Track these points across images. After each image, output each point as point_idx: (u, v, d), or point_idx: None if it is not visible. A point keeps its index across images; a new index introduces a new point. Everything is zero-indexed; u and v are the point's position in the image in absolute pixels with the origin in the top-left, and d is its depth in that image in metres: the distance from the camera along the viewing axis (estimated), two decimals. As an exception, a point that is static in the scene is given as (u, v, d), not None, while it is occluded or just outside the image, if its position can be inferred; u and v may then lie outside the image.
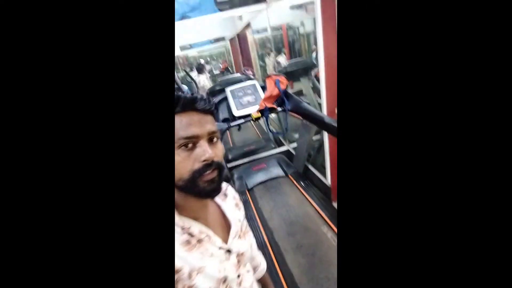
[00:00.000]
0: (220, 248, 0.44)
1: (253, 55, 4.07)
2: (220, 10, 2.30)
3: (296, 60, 2.80)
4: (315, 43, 1.66)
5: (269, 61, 4.06)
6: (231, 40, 4.92)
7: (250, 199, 2.24)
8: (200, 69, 4.15)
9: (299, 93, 2.56)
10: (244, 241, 0.52)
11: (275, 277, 1.47)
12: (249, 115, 1.44)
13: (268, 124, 1.62)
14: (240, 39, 4.33)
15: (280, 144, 3.12)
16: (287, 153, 2.85)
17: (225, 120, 1.45)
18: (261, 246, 1.71)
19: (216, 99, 1.53)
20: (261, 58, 4.24)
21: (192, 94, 0.40)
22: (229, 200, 0.55)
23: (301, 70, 2.43)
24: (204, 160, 0.38)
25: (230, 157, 2.96)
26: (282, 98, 1.44)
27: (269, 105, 1.44)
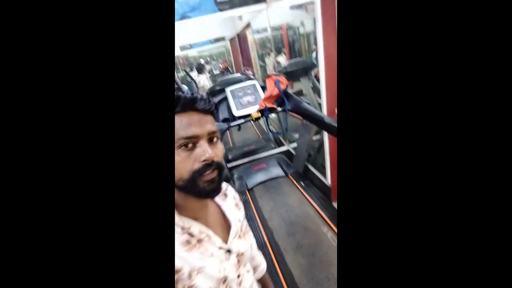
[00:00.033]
0: (220, 248, 0.44)
1: (253, 55, 4.07)
2: (220, 10, 2.30)
3: (296, 60, 2.80)
4: (315, 43, 1.66)
5: (269, 61, 4.06)
6: (231, 40, 4.92)
7: (250, 199, 2.24)
8: (200, 69, 4.15)
9: (299, 93, 2.56)
10: (244, 241, 0.51)
11: (275, 277, 1.47)
12: (249, 115, 1.44)
13: (268, 124, 1.62)
14: (240, 39, 4.33)
15: (280, 144, 3.12)
16: (287, 153, 2.85)
17: (225, 120, 1.45)
18: (261, 246, 1.71)
19: (216, 99, 1.53)
20: (261, 58, 4.24)
21: (192, 94, 0.40)
22: (229, 200, 0.55)
23: (301, 70, 2.43)
24: (204, 160, 0.38)
25: (230, 157, 2.96)
26: (282, 98, 1.44)
27: (269, 105, 1.44)
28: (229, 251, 0.46)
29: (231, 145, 3.73)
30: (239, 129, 1.53)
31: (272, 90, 1.43)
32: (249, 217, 2.00)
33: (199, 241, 0.42)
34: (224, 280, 0.43)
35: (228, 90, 1.51)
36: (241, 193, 2.33)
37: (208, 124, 0.40)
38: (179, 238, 0.40)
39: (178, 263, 0.37)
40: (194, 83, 3.73)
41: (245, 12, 2.50)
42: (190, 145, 0.38)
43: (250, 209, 2.10)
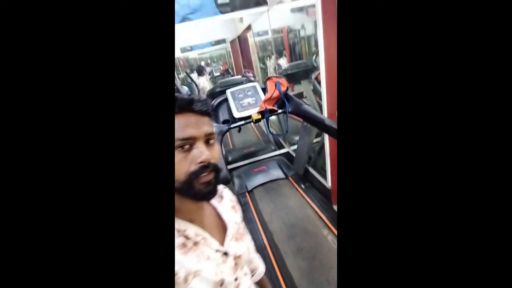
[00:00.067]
0: (216, 250, 0.44)
1: (254, 57, 4.08)
2: (221, 12, 2.31)
3: (297, 63, 2.81)
4: (316, 46, 1.67)
5: (270, 63, 4.07)
6: (232, 42, 4.94)
7: (250, 201, 2.24)
8: (200, 71, 4.16)
9: (300, 95, 2.57)
10: (241, 243, 0.51)
11: (275, 280, 1.46)
12: (249, 117, 1.44)
13: (268, 126, 1.62)
14: (240, 42, 4.34)
15: (280, 146, 3.12)
16: (287, 155, 2.85)
17: (225, 122, 1.45)
18: (261, 248, 1.70)
19: (217, 101, 1.53)
20: (262, 60, 4.26)
21: (189, 95, 0.40)
22: (225, 202, 0.54)
23: (302, 73, 2.44)
24: (201, 162, 0.38)
25: (230, 158, 2.96)
26: (282, 100, 1.44)
27: (270, 107, 1.44)
28: (226, 253, 0.45)
29: (231, 146, 3.73)
30: (239, 131, 1.53)
31: (273, 92, 1.43)
32: (249, 219, 2.00)
33: (195, 244, 0.41)
34: (221, 283, 0.42)
35: (228, 91, 1.51)
36: (241, 195, 2.32)
37: (205, 126, 0.40)
38: (175, 241, 0.39)
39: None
40: (194, 85, 3.74)
41: (246, 15, 2.51)
42: (186, 147, 0.38)
43: (250, 211, 2.09)
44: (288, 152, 2.87)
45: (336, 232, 1.69)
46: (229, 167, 2.77)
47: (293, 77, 2.42)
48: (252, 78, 2.02)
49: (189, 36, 3.85)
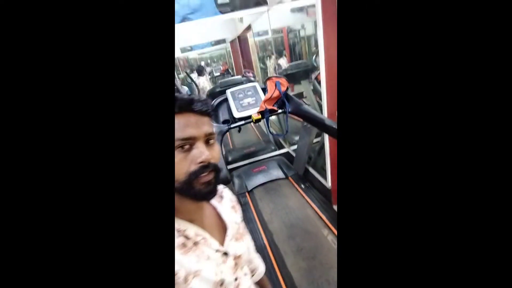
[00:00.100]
0: (216, 250, 0.44)
1: (254, 57, 4.08)
2: (221, 12, 2.31)
3: (297, 63, 2.81)
4: (316, 46, 1.67)
5: (270, 63, 4.07)
6: (232, 42, 4.94)
7: (250, 201, 2.24)
8: (200, 71, 4.16)
9: (300, 95, 2.57)
10: (241, 243, 0.51)
11: (275, 280, 1.46)
12: (249, 117, 1.44)
13: (268, 126, 1.62)
14: (240, 42, 4.34)
15: (280, 146, 3.12)
16: (287, 155, 2.85)
17: (225, 122, 1.45)
18: (261, 248, 1.70)
19: (217, 101, 1.53)
20: (262, 60, 4.26)
21: (189, 95, 0.40)
22: (225, 202, 0.54)
23: (302, 73, 2.44)
24: (201, 162, 0.38)
25: (230, 158, 2.96)
26: (282, 100, 1.44)
27: (270, 107, 1.44)
28: (225, 253, 0.45)
29: (231, 146, 3.73)
30: (239, 131, 1.53)
31: (273, 92, 1.43)
32: (249, 220, 2.00)
33: (195, 243, 0.41)
34: (221, 283, 0.42)
35: (228, 91, 1.51)
36: (241, 195, 2.32)
37: (205, 126, 0.40)
38: (175, 241, 0.39)
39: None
40: (194, 85, 3.74)
41: (246, 15, 2.51)
42: (186, 147, 0.38)
43: (250, 211, 2.10)
44: (288, 152, 2.87)
45: (336, 232, 1.69)
46: (229, 167, 2.77)
47: (293, 77, 2.42)
48: (252, 78, 2.02)
49: (189, 36, 3.85)
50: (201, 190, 0.38)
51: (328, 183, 1.93)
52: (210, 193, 0.40)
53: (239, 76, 2.08)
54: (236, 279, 0.47)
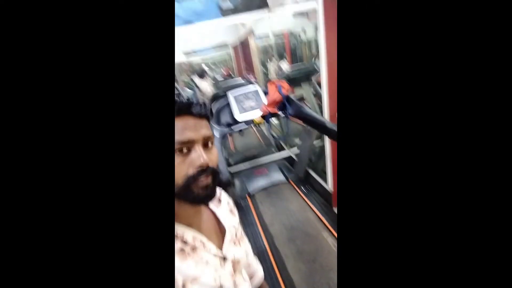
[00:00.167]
0: (215, 255, 0.43)
1: (256, 61, 4.11)
2: (224, 16, 2.34)
3: (298, 66, 2.83)
4: (317, 49, 1.68)
5: (271, 67, 4.10)
6: (234, 46, 4.98)
7: (251, 204, 2.23)
8: (203, 75, 4.19)
9: (301, 98, 2.58)
10: (239, 247, 0.50)
11: (276, 283, 1.45)
12: (251, 120, 1.45)
13: (270, 129, 1.63)
14: (242, 45, 4.38)
15: (281, 149, 3.12)
16: (288, 158, 2.85)
17: (227, 125, 1.46)
18: (261, 251, 1.69)
19: (219, 104, 1.54)
20: (263, 64, 4.29)
21: (188, 99, 0.39)
22: (223, 206, 0.53)
23: (303, 76, 2.45)
24: (199, 166, 0.37)
25: (231, 162, 2.96)
26: (284, 103, 1.45)
27: (271, 110, 1.45)
28: (224, 258, 0.45)
29: (233, 150, 3.74)
30: (241, 134, 1.54)
31: (274, 95, 1.44)
32: (249, 223, 1.99)
33: (193, 248, 0.41)
34: None
35: (230, 95, 1.52)
36: (242, 198, 2.32)
37: (203, 129, 0.39)
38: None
39: None
40: (197, 88, 3.77)
41: (248, 19, 2.54)
42: (185, 150, 0.37)
43: (251, 215, 2.09)
44: (289, 155, 2.87)
45: (336, 234, 1.68)
46: (231, 170, 2.77)
47: (294, 80, 2.43)
48: (253, 80, 2.03)
49: (193, 40, 3.89)
50: (199, 193, 0.38)
51: (329, 186, 1.92)
52: (208, 196, 0.40)
53: (241, 80, 2.09)
54: (234, 284, 0.46)
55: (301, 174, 2.40)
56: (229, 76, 5.87)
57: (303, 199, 2.16)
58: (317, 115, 1.41)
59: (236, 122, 1.46)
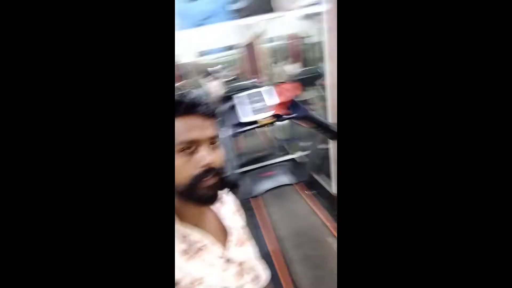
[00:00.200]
0: (220, 257, 0.43)
1: (263, 63, 4.12)
2: (233, 19, 2.35)
3: (304, 69, 2.82)
4: (323, 53, 1.68)
5: (278, 69, 4.10)
6: (242, 48, 5.00)
7: (256, 207, 2.23)
8: (211, 76, 4.23)
9: (306, 101, 2.57)
10: (244, 249, 0.50)
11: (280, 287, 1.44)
12: (257, 122, 1.46)
13: (275, 132, 1.63)
14: (250, 48, 4.39)
15: (287, 152, 3.11)
16: (294, 161, 2.84)
17: (233, 126, 1.47)
18: (266, 255, 1.69)
19: (226, 106, 1.55)
20: (272, 66, 4.29)
21: (194, 98, 0.39)
22: (228, 207, 0.53)
23: (308, 79, 2.44)
24: (204, 166, 0.37)
25: (237, 163, 2.96)
26: (290, 106, 1.46)
27: (277, 112, 1.45)
28: (229, 260, 0.45)
29: (239, 151, 3.74)
30: (246, 136, 1.54)
31: (280, 97, 1.45)
32: (254, 225, 1.98)
33: (199, 250, 0.41)
34: None
35: (238, 96, 1.53)
36: (247, 200, 2.31)
37: (209, 129, 0.39)
38: (178, 247, 0.39)
39: (177, 275, 0.36)
40: (205, 89, 3.81)
41: (255, 22, 2.56)
42: (190, 150, 0.37)
43: (256, 217, 2.08)
44: (295, 158, 2.86)
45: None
46: (236, 171, 2.77)
47: (301, 83, 2.43)
48: (262, 83, 2.04)
49: (202, 42, 3.93)
50: (204, 194, 0.38)
51: (334, 189, 1.91)
52: (213, 197, 0.39)
53: (248, 81, 2.10)
54: (239, 286, 0.46)
55: (307, 178, 2.39)
56: (238, 77, 5.88)
57: (309, 202, 2.14)
58: (322, 118, 1.41)
59: (243, 123, 1.47)
